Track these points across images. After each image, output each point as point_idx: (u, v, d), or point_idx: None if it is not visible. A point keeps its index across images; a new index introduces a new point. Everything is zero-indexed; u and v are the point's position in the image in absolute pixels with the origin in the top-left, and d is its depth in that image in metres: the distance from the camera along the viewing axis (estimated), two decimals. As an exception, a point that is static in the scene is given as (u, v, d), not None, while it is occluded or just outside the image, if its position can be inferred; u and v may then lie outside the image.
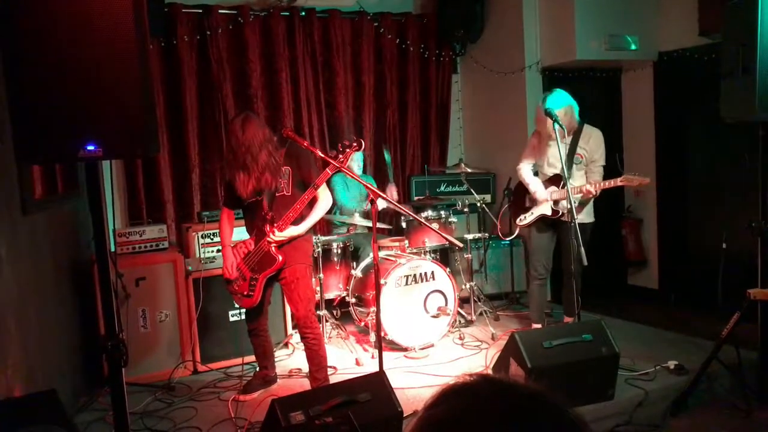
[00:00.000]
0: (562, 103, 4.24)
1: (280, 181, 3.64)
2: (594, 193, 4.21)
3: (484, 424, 0.78)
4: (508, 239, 5.06)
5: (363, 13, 5.98)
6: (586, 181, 4.38)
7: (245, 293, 3.75)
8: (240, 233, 4.00)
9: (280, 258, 3.62)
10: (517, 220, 4.66)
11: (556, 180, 4.42)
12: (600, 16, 5.45)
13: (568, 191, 3.89)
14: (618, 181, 4.12)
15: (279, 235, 3.58)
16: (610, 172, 4.45)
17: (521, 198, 4.70)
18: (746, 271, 3.83)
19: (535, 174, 4.64)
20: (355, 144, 3.44)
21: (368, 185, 3.55)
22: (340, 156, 3.45)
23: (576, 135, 4.37)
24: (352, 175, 3.55)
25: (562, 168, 3.96)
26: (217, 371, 4.40)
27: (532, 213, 4.55)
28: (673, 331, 4.80)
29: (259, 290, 3.71)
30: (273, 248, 3.62)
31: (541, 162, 4.56)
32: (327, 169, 3.53)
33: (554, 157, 4.39)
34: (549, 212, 4.44)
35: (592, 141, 4.40)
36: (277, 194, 3.64)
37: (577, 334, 3.54)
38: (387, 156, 5.58)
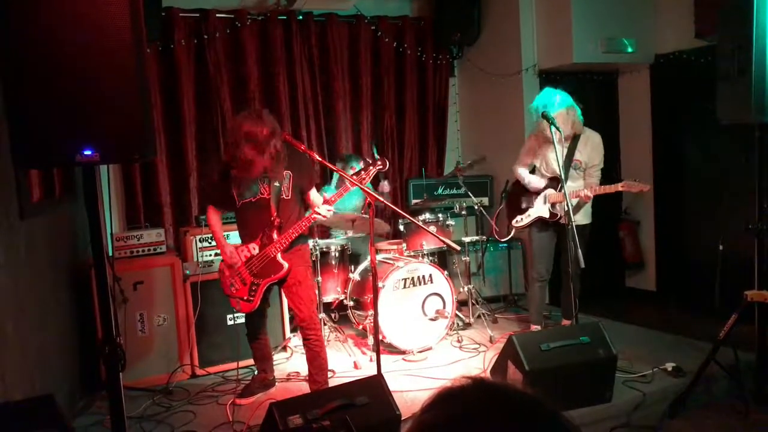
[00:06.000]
0: (561, 104, 4.23)
1: (279, 175, 3.62)
2: (590, 197, 4.22)
3: (476, 428, 0.78)
4: (504, 240, 5.08)
5: (360, 17, 5.99)
6: (584, 184, 4.39)
7: (245, 297, 3.73)
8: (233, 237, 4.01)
9: (286, 266, 3.62)
10: (513, 221, 4.64)
11: (553, 183, 4.43)
12: (596, 19, 5.46)
13: (565, 195, 3.90)
14: (618, 187, 4.08)
15: (324, 211, 3.56)
16: (608, 174, 4.45)
17: (517, 199, 4.69)
18: (743, 272, 3.84)
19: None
20: (379, 163, 3.42)
21: (367, 189, 3.51)
22: (362, 173, 3.45)
23: (575, 139, 4.36)
24: (368, 193, 3.38)
25: (559, 171, 3.96)
26: (215, 375, 4.39)
27: (528, 215, 4.54)
28: (670, 333, 4.80)
29: (260, 295, 3.69)
30: (279, 256, 3.62)
31: (540, 165, 4.57)
32: (346, 183, 3.55)
33: (552, 160, 4.39)
34: (546, 215, 4.43)
35: (591, 146, 4.39)
36: (281, 197, 3.64)
37: (575, 337, 3.54)
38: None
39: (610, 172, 4.39)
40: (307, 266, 3.79)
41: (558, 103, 4.22)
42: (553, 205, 4.41)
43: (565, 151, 4.21)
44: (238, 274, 3.74)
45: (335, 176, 5.30)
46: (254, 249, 3.68)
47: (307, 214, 3.67)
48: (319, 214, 3.59)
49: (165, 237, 4.63)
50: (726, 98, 3.65)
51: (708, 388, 3.80)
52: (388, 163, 3.51)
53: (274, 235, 3.61)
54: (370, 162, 3.44)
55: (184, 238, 4.79)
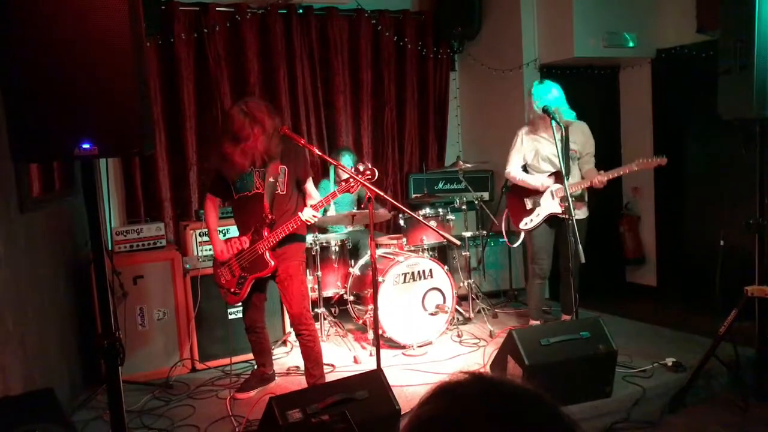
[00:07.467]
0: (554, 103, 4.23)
1: (272, 169, 3.61)
2: (604, 182, 4.21)
3: (472, 423, 0.78)
4: (514, 245, 5.07)
5: (361, 11, 5.97)
6: (580, 174, 4.39)
7: (232, 290, 3.74)
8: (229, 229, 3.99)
9: (273, 263, 3.61)
10: (521, 225, 4.50)
11: (555, 178, 4.38)
12: (598, 13, 5.44)
13: (566, 189, 3.89)
14: (634, 167, 4.10)
15: (308, 216, 3.56)
16: (608, 168, 4.41)
17: (519, 201, 4.54)
18: (744, 268, 3.83)
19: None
20: (368, 173, 3.40)
21: (366, 184, 3.49)
22: (351, 181, 3.43)
23: (566, 131, 4.31)
24: (368, 188, 3.39)
25: (560, 165, 3.94)
26: (215, 369, 4.39)
27: (538, 214, 4.40)
28: (670, 329, 4.80)
29: (246, 289, 3.70)
30: (267, 254, 3.61)
31: (535, 161, 4.48)
32: (336, 190, 3.54)
33: (551, 155, 4.35)
34: (558, 210, 4.29)
35: (582, 135, 4.43)
36: (276, 193, 3.63)
37: (575, 332, 3.54)
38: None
39: (611, 166, 4.36)
40: (300, 261, 3.76)
41: (553, 98, 4.25)
42: (562, 199, 4.32)
43: (562, 144, 4.15)
44: (229, 265, 3.74)
45: (331, 171, 5.31)
46: (246, 243, 3.68)
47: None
48: (303, 219, 3.56)
49: (165, 231, 4.63)
50: (727, 93, 3.63)
51: (708, 383, 3.80)
52: (377, 172, 3.47)
53: (265, 232, 3.60)
54: (361, 171, 3.40)
55: (184, 232, 4.79)
